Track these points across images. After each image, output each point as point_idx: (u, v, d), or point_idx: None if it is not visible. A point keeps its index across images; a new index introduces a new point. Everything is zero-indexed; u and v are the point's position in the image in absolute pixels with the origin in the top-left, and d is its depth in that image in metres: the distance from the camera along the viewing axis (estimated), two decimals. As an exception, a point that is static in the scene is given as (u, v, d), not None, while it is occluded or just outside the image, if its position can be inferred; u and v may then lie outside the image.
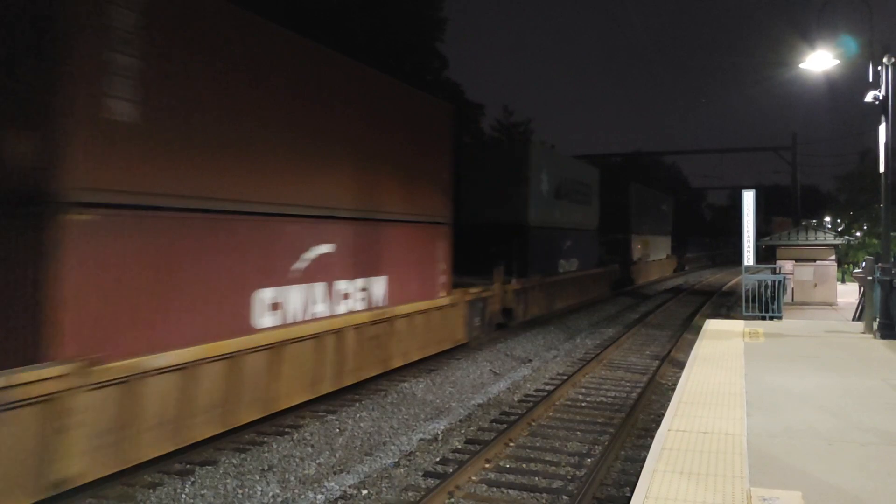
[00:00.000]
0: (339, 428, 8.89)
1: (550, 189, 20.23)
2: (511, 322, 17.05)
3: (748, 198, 17.20)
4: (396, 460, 7.76)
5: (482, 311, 15.21)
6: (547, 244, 19.98)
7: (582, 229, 23.84)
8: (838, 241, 22.46)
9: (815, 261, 21.25)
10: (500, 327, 16.62)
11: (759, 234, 21.12)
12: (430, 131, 13.04)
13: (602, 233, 27.80)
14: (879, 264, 11.40)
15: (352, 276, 10.24)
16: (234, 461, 7.56)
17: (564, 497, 6.64)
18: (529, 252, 18.49)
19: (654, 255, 37.94)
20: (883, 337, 10.82)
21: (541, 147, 20.11)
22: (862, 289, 14.19)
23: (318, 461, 7.73)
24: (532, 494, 6.73)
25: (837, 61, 13.11)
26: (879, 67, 11.01)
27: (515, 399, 10.72)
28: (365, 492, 6.85)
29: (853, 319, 15.41)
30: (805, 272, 21.18)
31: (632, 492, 4.71)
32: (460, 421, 9.43)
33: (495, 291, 15.94)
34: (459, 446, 8.31)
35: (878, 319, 11.13)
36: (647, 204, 36.03)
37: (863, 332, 11.60)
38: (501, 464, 7.59)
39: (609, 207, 28.99)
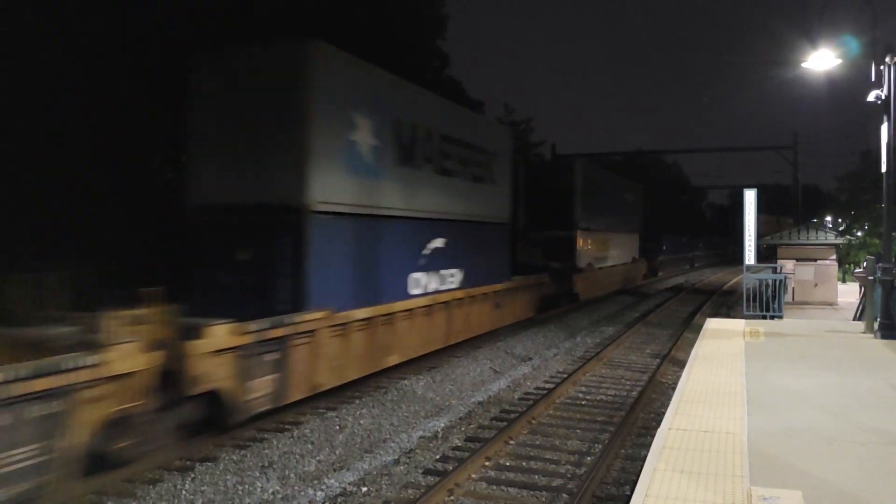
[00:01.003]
0: (339, 425, 8.89)
1: (386, 145, 11.08)
2: (235, 417, 7.92)
3: (750, 196, 17.18)
4: (396, 458, 7.76)
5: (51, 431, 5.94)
6: (370, 246, 10.78)
7: (475, 221, 14.83)
8: (839, 240, 22.48)
9: (815, 260, 21.26)
10: (211, 429, 7.93)
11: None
12: None
13: (531, 229, 21.19)
14: (880, 264, 11.39)
15: None
16: (234, 458, 7.56)
17: (564, 495, 6.64)
18: (311, 261, 9.33)
19: (614, 259, 28.79)
20: (883, 337, 10.81)
21: (348, 60, 10.33)
22: (863, 288, 14.20)
23: (318, 458, 7.74)
24: (532, 492, 6.73)
25: (840, 60, 13.08)
26: (882, 67, 10.99)
27: (516, 397, 10.72)
28: (365, 489, 6.85)
29: (854, 319, 15.41)
30: (806, 272, 21.19)
31: (632, 490, 4.70)
32: (460, 419, 9.44)
33: (115, 365, 6.49)
34: (459, 444, 8.32)
35: (878, 319, 11.13)
36: (602, 191, 26.87)
37: (863, 332, 11.59)
38: (501, 462, 7.59)
39: (543, 194, 22.15)
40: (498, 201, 16.28)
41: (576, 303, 22.76)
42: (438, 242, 13.09)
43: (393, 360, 11.41)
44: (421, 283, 12.42)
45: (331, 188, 9.77)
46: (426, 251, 12.67)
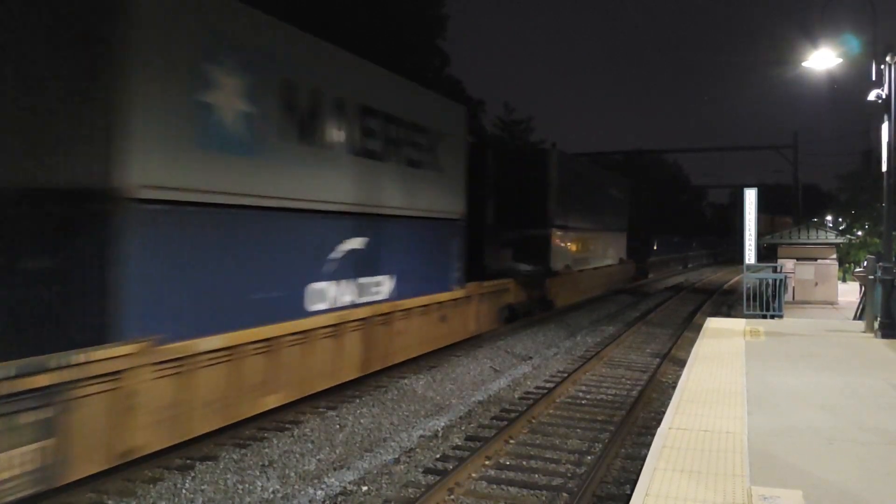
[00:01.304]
0: (339, 424, 8.89)
1: (268, 113, 8.38)
2: None
3: (750, 196, 17.18)
4: (396, 457, 7.76)
5: None
6: (239, 248, 8.01)
7: (413, 217, 12.05)
8: (840, 239, 22.50)
9: (816, 259, 21.28)
10: None
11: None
12: None
13: (500, 227, 18.56)
14: (881, 263, 11.39)
15: None
16: (235, 456, 7.56)
17: (564, 494, 6.64)
18: (128, 270, 6.54)
19: (597, 260, 26.05)
20: (884, 336, 10.81)
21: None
22: (863, 288, 14.19)
23: (318, 457, 7.74)
24: (532, 492, 6.73)
25: (840, 59, 13.08)
26: (882, 66, 10.99)
27: (516, 396, 10.72)
28: (365, 488, 6.85)
29: (854, 318, 15.41)
30: (806, 271, 21.20)
31: (632, 490, 4.70)
32: (460, 418, 9.43)
33: None
34: (459, 443, 8.32)
35: (879, 319, 11.13)
36: (582, 185, 23.95)
37: (864, 332, 11.59)
38: (501, 461, 7.59)
39: (514, 187, 19.40)
40: (445, 192, 13.23)
41: (551, 310, 20.18)
42: (356, 243, 10.29)
43: (274, 400, 8.54)
44: (327, 295, 9.57)
45: (167, 168, 6.96)
46: (336, 254, 9.81)
